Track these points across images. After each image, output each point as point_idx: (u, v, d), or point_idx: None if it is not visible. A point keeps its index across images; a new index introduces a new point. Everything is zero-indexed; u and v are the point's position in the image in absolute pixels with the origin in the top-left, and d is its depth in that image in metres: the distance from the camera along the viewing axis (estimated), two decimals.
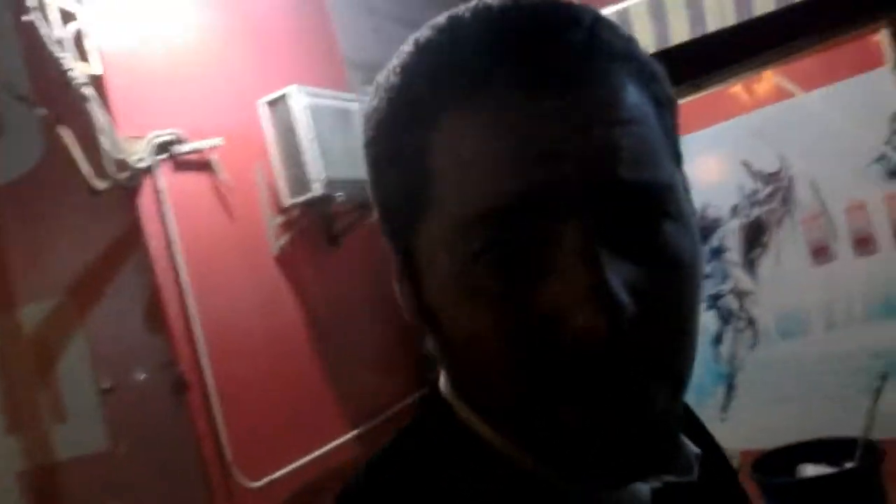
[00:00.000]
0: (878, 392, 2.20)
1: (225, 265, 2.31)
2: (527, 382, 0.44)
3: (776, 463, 2.24)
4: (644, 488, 0.49)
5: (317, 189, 2.39)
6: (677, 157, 0.49)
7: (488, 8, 0.46)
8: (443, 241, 0.45)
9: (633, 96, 0.45)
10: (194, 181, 2.31)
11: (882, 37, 2.55)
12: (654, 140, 0.45)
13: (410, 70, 0.48)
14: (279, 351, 2.39)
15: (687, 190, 0.50)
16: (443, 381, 0.54)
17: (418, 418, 0.55)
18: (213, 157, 2.35)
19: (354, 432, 2.56)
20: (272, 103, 2.49)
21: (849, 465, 2.11)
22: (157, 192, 2.14)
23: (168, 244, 2.12)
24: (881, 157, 2.57)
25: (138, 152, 2.10)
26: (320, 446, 2.41)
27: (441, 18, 0.48)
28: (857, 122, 2.59)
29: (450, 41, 0.46)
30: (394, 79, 0.49)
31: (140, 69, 2.23)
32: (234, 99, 2.49)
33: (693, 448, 0.53)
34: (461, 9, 0.47)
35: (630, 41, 0.47)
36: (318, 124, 2.44)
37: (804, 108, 2.64)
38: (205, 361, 2.11)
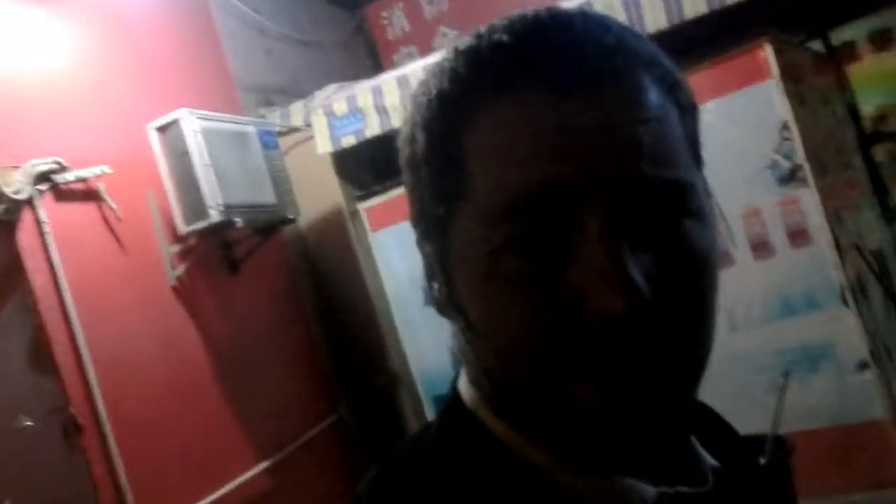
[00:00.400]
0: (782, 390, 2.26)
1: (117, 299, 2.18)
2: (546, 362, 0.45)
3: None
4: (650, 491, 0.49)
5: (214, 215, 2.30)
6: (698, 160, 0.51)
7: (523, 16, 0.49)
8: (474, 234, 0.47)
9: (656, 98, 0.47)
10: (80, 211, 2.18)
11: (767, 51, 2.66)
12: (675, 140, 0.47)
13: (447, 73, 0.50)
14: (180, 385, 2.28)
15: (709, 192, 0.52)
16: (463, 385, 0.56)
17: (438, 424, 0.57)
18: (101, 186, 2.22)
19: (265, 464, 2.46)
20: (162, 128, 2.38)
21: (762, 460, 2.16)
22: (38, 224, 2.01)
23: (54, 279, 1.99)
24: (772, 165, 2.66)
25: (15, 183, 1.97)
26: (229, 481, 2.31)
27: (480, 27, 0.51)
28: (748, 132, 2.68)
29: (485, 46, 0.48)
30: (432, 81, 0.51)
31: (15, 96, 2.10)
32: (120, 124, 2.37)
33: (710, 461, 0.55)
34: (498, 18, 0.50)
35: (655, 49, 0.50)
36: (212, 148, 2.35)
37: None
38: (99, 402, 1.98)
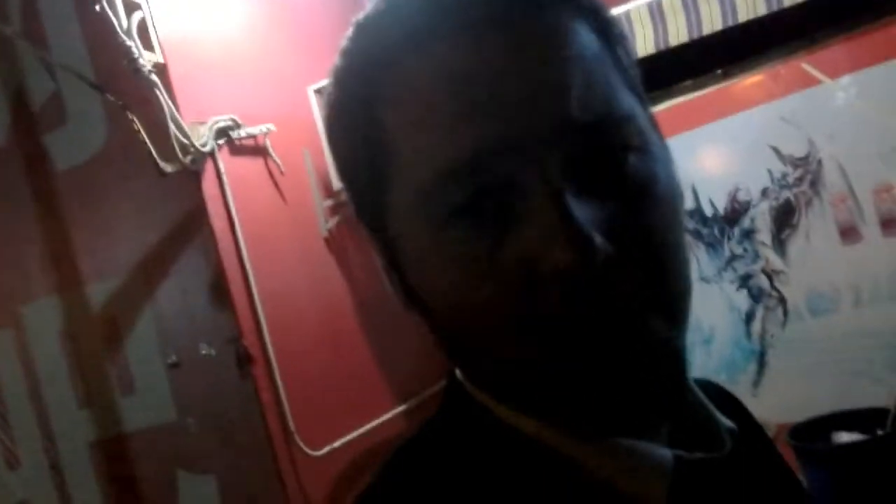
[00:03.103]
0: None
1: (280, 245, 2.40)
2: (518, 339, 0.43)
3: (811, 431, 2.34)
4: (665, 454, 0.47)
5: None
6: (635, 90, 0.48)
7: None
8: (409, 212, 0.45)
9: (579, 34, 0.44)
10: (250, 165, 2.40)
11: None
12: (605, 74, 0.44)
13: (351, 47, 0.48)
14: (332, 327, 2.49)
15: (653, 121, 0.49)
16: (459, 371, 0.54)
17: (441, 407, 0.55)
18: (267, 142, 2.44)
19: (401, 408, 2.65)
20: (320, 91, 2.58)
21: (880, 432, 2.21)
22: (219, 174, 2.23)
23: (230, 224, 2.21)
24: None
25: (202, 136, 2.20)
26: (371, 419, 2.50)
27: None
28: (883, 108, 2.68)
29: (386, 9, 0.46)
30: (338, 60, 0.49)
31: (198, 57, 2.32)
32: (284, 86, 2.58)
33: (726, 422, 0.52)
34: None
35: None
36: None
37: (831, 95, 2.74)
38: (267, 336, 2.20)
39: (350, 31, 0.48)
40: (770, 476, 0.56)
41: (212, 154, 2.23)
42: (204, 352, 2.19)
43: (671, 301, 0.44)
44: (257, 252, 2.27)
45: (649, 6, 2.72)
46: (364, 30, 0.47)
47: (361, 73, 0.46)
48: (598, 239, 0.40)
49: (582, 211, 0.40)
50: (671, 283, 0.44)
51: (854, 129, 2.67)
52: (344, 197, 2.71)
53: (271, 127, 2.43)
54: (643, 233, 0.43)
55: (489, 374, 0.48)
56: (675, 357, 0.44)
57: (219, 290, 2.18)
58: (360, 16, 0.48)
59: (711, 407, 0.52)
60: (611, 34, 0.47)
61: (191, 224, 2.20)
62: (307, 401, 2.28)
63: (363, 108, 0.46)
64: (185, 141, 2.14)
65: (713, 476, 0.47)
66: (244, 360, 2.16)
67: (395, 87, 0.44)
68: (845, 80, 2.72)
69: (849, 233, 2.72)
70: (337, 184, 2.58)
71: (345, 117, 0.48)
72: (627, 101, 0.45)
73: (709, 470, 0.47)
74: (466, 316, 0.44)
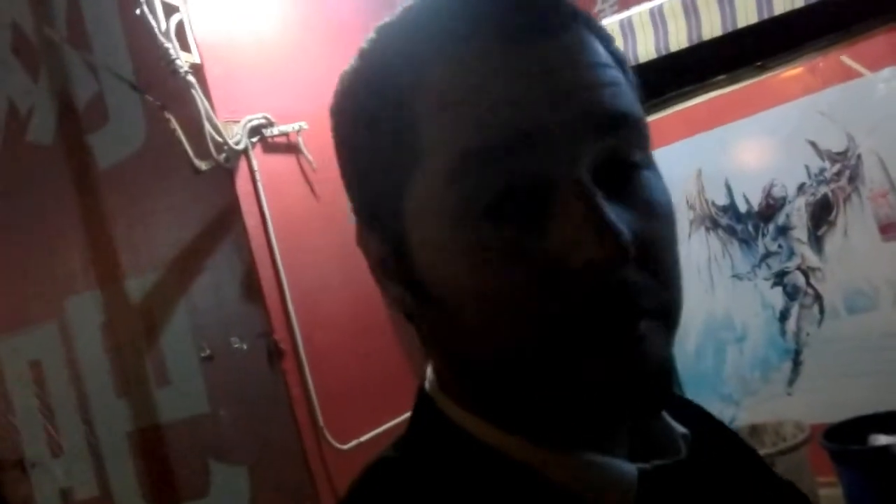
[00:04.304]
0: None
1: (312, 241, 2.44)
2: (535, 331, 0.43)
3: (847, 433, 2.30)
4: (630, 469, 0.48)
5: None
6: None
7: None
8: (435, 197, 0.45)
9: (602, 48, 0.47)
10: (282, 162, 2.45)
11: None
12: (626, 85, 0.47)
13: (390, 30, 0.48)
14: (362, 322, 2.52)
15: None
16: (428, 377, 0.54)
17: (411, 423, 0.55)
18: (300, 139, 2.48)
19: None
20: None
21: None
22: (252, 172, 2.28)
23: (263, 221, 2.26)
24: None
25: (235, 135, 2.25)
26: (397, 414, 2.53)
27: None
28: None
29: (424, 5, 0.47)
30: (373, 39, 0.49)
31: (232, 58, 2.37)
32: (316, 85, 2.62)
33: (679, 428, 0.53)
34: None
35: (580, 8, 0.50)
36: None
37: (871, 88, 2.68)
38: (297, 331, 2.24)
39: (391, 14, 0.49)
40: (734, 476, 0.56)
41: (245, 152, 2.28)
42: (236, 345, 2.24)
43: (675, 312, 0.46)
44: (289, 248, 2.32)
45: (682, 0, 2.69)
46: (407, 13, 0.48)
47: (400, 57, 0.47)
48: (629, 236, 0.41)
49: (611, 209, 0.42)
50: (675, 295, 0.46)
51: (895, 122, 2.61)
52: None
53: (303, 125, 2.48)
54: (657, 245, 0.45)
55: (483, 375, 0.47)
56: (670, 365, 0.47)
57: (251, 285, 2.23)
58: (390, 16, 0.49)
59: (666, 415, 0.53)
60: (617, 55, 0.49)
61: (224, 221, 2.25)
62: (336, 395, 2.32)
63: (395, 91, 0.46)
64: (220, 139, 2.19)
65: (674, 483, 0.49)
66: (275, 355, 2.21)
67: (438, 72, 0.45)
68: (886, 72, 2.66)
69: (889, 228, 2.66)
70: None
71: (373, 97, 0.48)
72: (643, 115, 0.48)
73: (669, 477, 0.49)
74: (484, 307, 0.44)
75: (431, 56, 0.45)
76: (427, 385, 0.54)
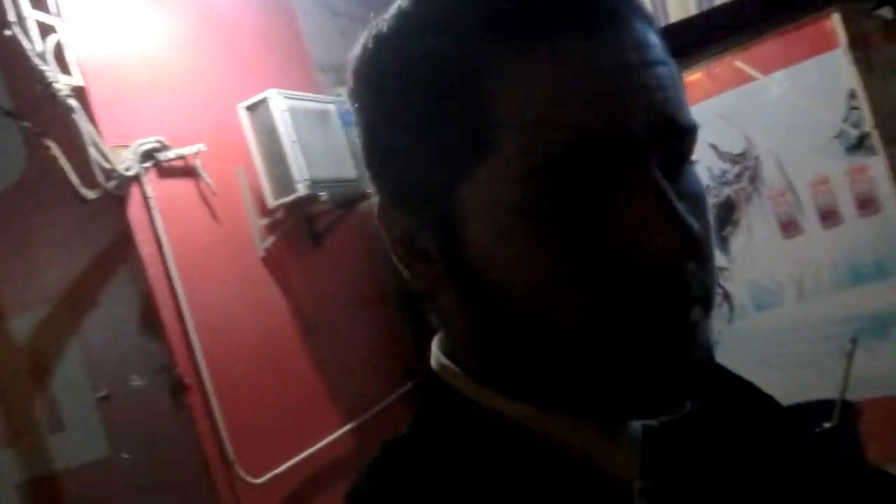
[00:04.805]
0: (850, 355, 2.30)
1: (214, 268, 2.34)
2: (602, 321, 0.44)
3: None
4: (635, 427, 0.49)
5: (301, 189, 2.43)
6: None
7: None
8: (505, 190, 0.44)
9: (656, 37, 0.47)
10: (180, 187, 2.33)
11: (834, 20, 2.67)
12: (682, 84, 0.48)
13: (454, 17, 0.45)
14: (271, 349, 2.43)
15: None
16: (437, 361, 0.54)
17: (422, 402, 0.54)
18: (197, 163, 2.37)
19: (348, 426, 2.60)
20: (252, 107, 2.52)
21: (828, 424, 2.21)
22: (145, 198, 2.16)
23: (159, 249, 2.15)
24: (840, 134, 2.69)
25: (125, 161, 2.13)
26: (316, 441, 2.45)
27: None
28: (816, 102, 2.70)
29: None
30: (435, 10, 0.46)
31: (120, 79, 2.25)
32: (213, 105, 2.52)
33: None
34: None
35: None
36: (297, 126, 2.48)
37: (766, 91, 2.76)
38: (202, 363, 2.13)
39: (453, 5, 0.46)
40: (746, 432, 0.57)
41: (137, 178, 2.16)
42: (136, 383, 2.12)
43: (714, 300, 0.48)
44: (190, 276, 2.21)
45: None
46: (477, 6, 0.45)
47: (481, 39, 0.44)
48: (697, 227, 0.43)
49: (680, 205, 0.43)
50: (715, 283, 0.48)
51: (789, 123, 2.70)
52: (280, 215, 2.67)
53: (201, 147, 2.37)
54: (708, 238, 0.46)
55: (530, 358, 0.47)
56: (714, 352, 0.49)
57: (149, 317, 2.12)
58: None
59: None
60: (669, 52, 0.50)
61: (117, 251, 2.13)
62: (247, 427, 2.22)
63: (469, 74, 0.44)
64: (108, 165, 2.07)
65: (680, 439, 0.50)
66: (178, 389, 2.10)
67: (516, 67, 0.44)
68: (778, 75, 2.75)
69: (789, 226, 2.73)
70: (272, 202, 2.52)
71: (443, 73, 0.45)
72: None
73: (675, 434, 0.49)
74: (547, 294, 0.44)
75: (507, 47, 0.44)
76: (434, 363, 0.54)
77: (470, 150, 0.45)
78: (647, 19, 0.48)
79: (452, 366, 0.52)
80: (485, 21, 0.44)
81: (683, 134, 0.46)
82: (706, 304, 0.46)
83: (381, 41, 0.48)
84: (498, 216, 0.45)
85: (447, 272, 0.49)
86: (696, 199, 0.46)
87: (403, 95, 0.47)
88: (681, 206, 0.43)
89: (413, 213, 0.49)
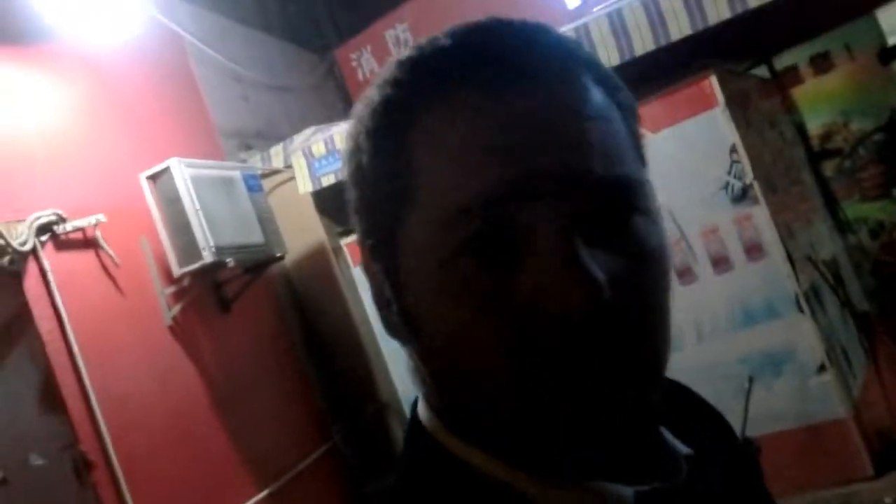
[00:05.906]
0: (748, 393, 2.42)
1: (119, 340, 2.29)
2: (512, 375, 0.43)
3: None
4: (627, 492, 0.47)
5: (207, 256, 2.43)
6: (642, 158, 0.51)
7: (465, 23, 0.49)
8: (423, 242, 0.46)
9: (599, 97, 0.47)
10: (80, 259, 2.30)
11: (712, 81, 2.87)
12: (621, 139, 0.47)
13: (389, 79, 0.49)
14: (181, 420, 2.38)
15: (652, 190, 0.51)
16: (422, 410, 0.53)
17: (407, 457, 0.54)
18: (98, 234, 2.34)
19: (265, 492, 2.56)
20: (154, 177, 2.51)
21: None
22: (42, 272, 2.12)
23: (59, 324, 2.10)
24: (725, 185, 2.86)
25: (20, 236, 2.09)
26: None
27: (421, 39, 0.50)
28: (701, 156, 2.87)
29: (427, 52, 0.48)
30: (374, 90, 0.50)
31: (14, 153, 2.22)
32: (114, 175, 2.50)
33: (682, 449, 0.52)
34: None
35: (592, 54, 0.51)
36: (201, 193, 2.49)
37: (654, 147, 2.90)
38: (107, 438, 2.08)
39: (391, 64, 0.50)
40: (733, 494, 0.56)
41: (34, 252, 2.12)
42: (36, 463, 2.05)
43: (655, 365, 0.46)
44: (92, 350, 2.16)
45: None
46: (404, 63, 0.48)
47: (398, 105, 0.48)
48: (604, 281, 0.41)
49: (588, 255, 0.42)
50: (658, 344, 0.46)
51: (679, 176, 2.85)
52: (187, 283, 2.65)
53: (100, 218, 2.34)
54: (642, 292, 0.45)
55: (471, 411, 0.48)
56: (646, 417, 0.47)
57: (50, 394, 2.06)
58: (408, 52, 0.49)
59: (669, 436, 0.53)
60: (626, 105, 0.49)
61: (14, 328, 2.08)
62: (157, 502, 2.16)
63: (394, 137, 0.47)
64: (1, 242, 2.03)
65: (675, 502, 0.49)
66: (82, 467, 2.04)
67: (431, 122, 0.46)
68: (665, 132, 2.91)
69: (684, 273, 2.87)
70: (178, 270, 2.50)
71: (374, 142, 0.49)
72: (637, 166, 0.48)
73: (666, 499, 0.48)
74: (464, 349, 0.45)
75: (426, 103, 0.46)
76: (423, 418, 0.53)
77: (400, 202, 0.47)
78: (584, 74, 0.48)
79: (432, 415, 0.52)
80: (412, 79, 0.48)
81: (608, 187, 0.44)
82: (624, 363, 0.44)
83: (354, 110, 0.53)
84: (421, 266, 0.47)
85: (403, 321, 0.50)
86: (639, 252, 0.45)
87: (355, 153, 0.51)
88: (590, 257, 0.42)
89: (376, 261, 0.51)
